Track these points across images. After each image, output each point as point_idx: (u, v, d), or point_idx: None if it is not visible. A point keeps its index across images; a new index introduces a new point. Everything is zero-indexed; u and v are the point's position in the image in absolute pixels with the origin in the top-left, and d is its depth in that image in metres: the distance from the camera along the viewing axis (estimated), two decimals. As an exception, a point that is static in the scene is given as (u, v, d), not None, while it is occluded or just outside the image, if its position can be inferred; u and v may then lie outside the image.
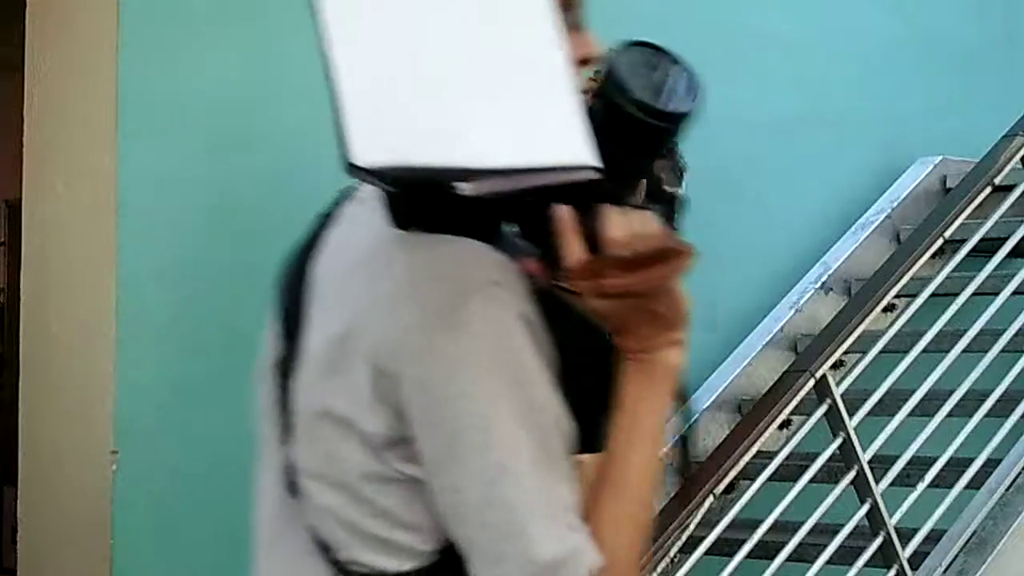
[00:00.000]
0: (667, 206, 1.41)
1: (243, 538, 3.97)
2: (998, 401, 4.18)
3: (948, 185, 5.11)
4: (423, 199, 1.21)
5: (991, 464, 4.15)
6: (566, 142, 1.09)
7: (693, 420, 4.85)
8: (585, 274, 1.23)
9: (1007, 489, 4.13)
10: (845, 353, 4.20)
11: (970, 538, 4.05)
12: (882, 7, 5.52)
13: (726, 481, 3.89)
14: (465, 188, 1.10)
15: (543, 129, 1.08)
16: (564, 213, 1.22)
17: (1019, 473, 4.16)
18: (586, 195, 1.19)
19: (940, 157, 5.26)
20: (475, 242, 1.25)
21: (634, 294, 1.26)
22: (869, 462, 4.00)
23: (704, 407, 4.86)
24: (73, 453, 3.88)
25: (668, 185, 1.45)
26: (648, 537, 1.31)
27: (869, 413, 4.09)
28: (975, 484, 4.12)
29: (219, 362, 4.00)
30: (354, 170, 1.11)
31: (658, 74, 1.24)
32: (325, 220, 1.43)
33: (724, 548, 3.87)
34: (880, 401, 4.10)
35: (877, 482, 3.99)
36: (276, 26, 4.14)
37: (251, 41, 4.09)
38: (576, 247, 1.22)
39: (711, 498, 3.83)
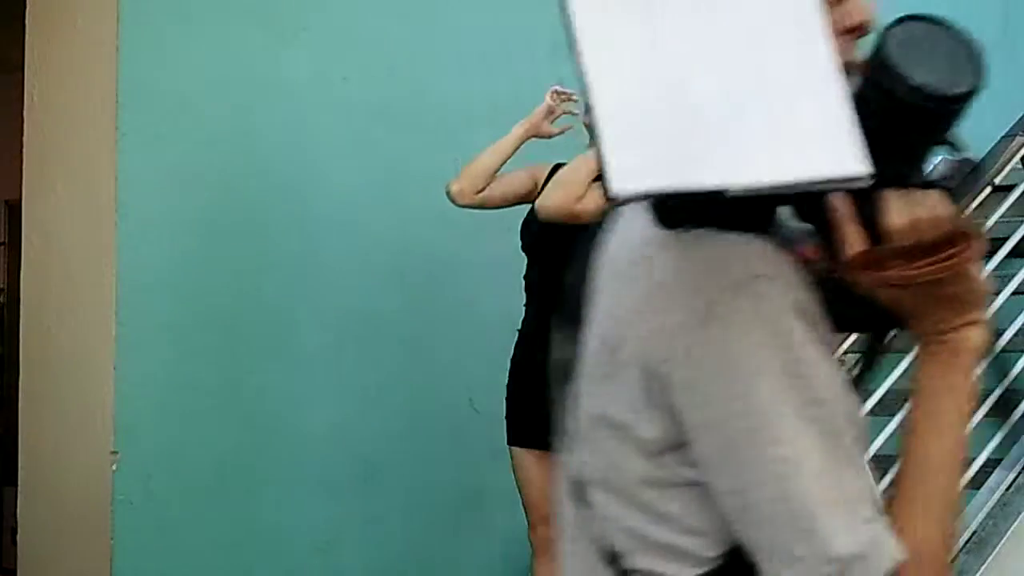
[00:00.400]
0: (951, 182, 1.25)
1: (243, 538, 3.94)
2: (998, 401, 4.18)
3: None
4: (690, 197, 1.12)
5: (991, 464, 4.15)
6: (835, 152, 1.02)
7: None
8: (866, 266, 1.17)
9: (1007, 489, 4.13)
10: (845, 353, 4.20)
11: (970, 538, 4.05)
12: (882, 7, 5.52)
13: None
14: (733, 190, 1.05)
15: (809, 139, 1.03)
16: (840, 202, 1.17)
17: (1019, 473, 4.15)
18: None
19: (940, 157, 5.26)
20: (740, 236, 1.19)
21: (923, 282, 1.18)
22: (869, 462, 3.99)
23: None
24: (73, 453, 3.88)
25: (955, 155, 1.27)
26: (955, 527, 1.24)
27: (869, 413, 4.09)
28: (975, 484, 4.12)
29: (219, 362, 4.00)
30: (616, 200, 1.04)
31: (935, 53, 1.13)
32: (606, 220, 1.38)
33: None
34: (880, 401, 4.10)
35: (877, 482, 3.99)
36: (276, 26, 4.15)
37: (251, 41, 4.09)
38: (855, 237, 1.17)
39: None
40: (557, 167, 3.96)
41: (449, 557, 4.43)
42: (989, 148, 4.58)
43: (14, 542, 4.06)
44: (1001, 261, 4.37)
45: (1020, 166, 4.52)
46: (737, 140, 1.02)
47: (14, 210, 6.01)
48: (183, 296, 3.94)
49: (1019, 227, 4.43)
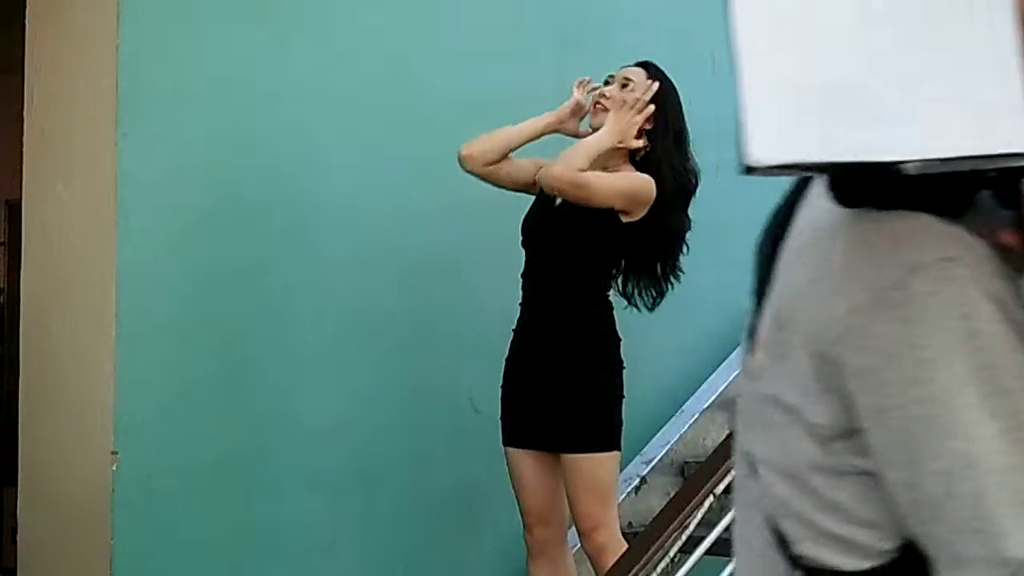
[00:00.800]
0: None
1: (243, 538, 3.95)
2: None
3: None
4: (868, 175, 1.09)
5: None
6: (1015, 125, 0.96)
7: (693, 420, 4.86)
8: None
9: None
10: None
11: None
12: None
13: (726, 481, 3.89)
14: (910, 168, 0.99)
15: (987, 112, 0.97)
16: None
17: (1019, 473, 4.16)
18: None
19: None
20: (928, 217, 1.13)
21: None
22: None
23: (704, 407, 4.87)
24: (73, 453, 3.88)
25: None
26: None
27: None
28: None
29: (219, 362, 4.00)
30: (751, 171, 1.01)
31: None
32: (798, 192, 1.31)
33: (724, 548, 3.87)
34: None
35: None
36: (276, 26, 4.15)
37: (251, 41, 4.09)
38: None
39: (711, 498, 3.82)
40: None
41: (449, 557, 4.43)
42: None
43: (14, 542, 4.06)
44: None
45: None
46: (902, 111, 0.98)
47: (14, 210, 6.01)
48: (183, 296, 3.94)
49: (1019, 227, 4.43)
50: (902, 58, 0.99)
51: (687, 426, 4.83)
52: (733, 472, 1.39)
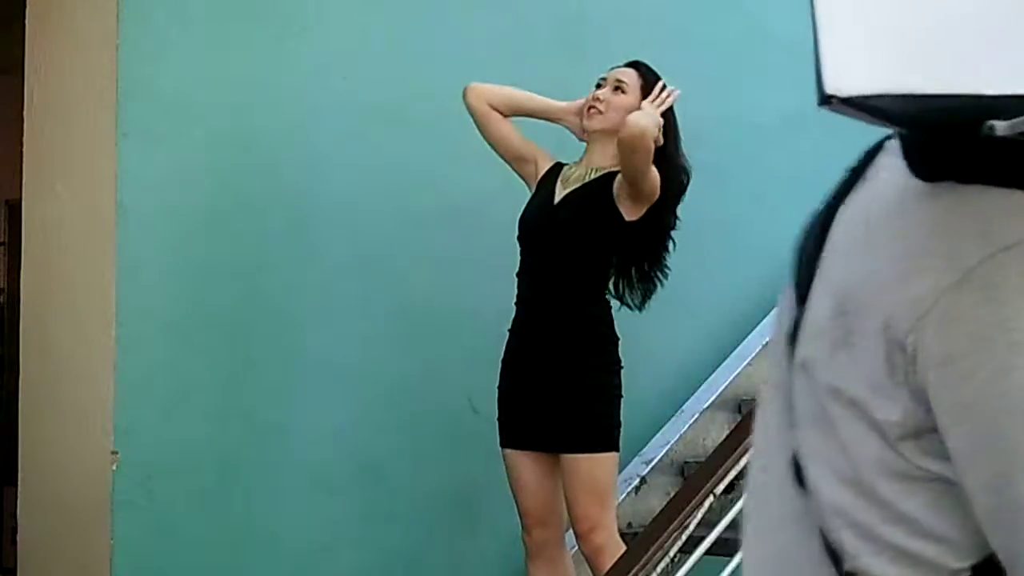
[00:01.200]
0: None
1: (242, 538, 3.96)
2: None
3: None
4: (953, 142, 0.98)
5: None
6: None
7: (693, 420, 4.85)
8: None
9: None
10: None
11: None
12: None
13: (726, 481, 3.89)
14: (1000, 127, 0.87)
15: None
16: None
17: (1019, 473, 4.16)
18: None
19: None
20: (1018, 192, 1.02)
21: None
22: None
23: (704, 407, 4.86)
24: (73, 453, 3.88)
25: None
26: None
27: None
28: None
29: (219, 362, 4.00)
30: (831, 102, 0.88)
31: None
32: (854, 174, 1.19)
33: (724, 548, 3.87)
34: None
35: None
36: (276, 26, 4.15)
37: (251, 41, 4.09)
38: None
39: (711, 498, 3.82)
40: (559, 165, 3.95)
41: (448, 557, 4.43)
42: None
43: (14, 542, 4.06)
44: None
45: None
46: (996, 41, 0.85)
47: (14, 210, 6.01)
48: (183, 296, 3.94)
49: (1019, 227, 4.43)
50: None
51: (687, 426, 4.83)
52: (754, 478, 1.26)
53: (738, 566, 3.95)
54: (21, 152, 4.01)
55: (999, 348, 0.99)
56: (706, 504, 3.78)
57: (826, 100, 0.87)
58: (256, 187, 4.09)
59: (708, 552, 3.84)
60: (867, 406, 1.05)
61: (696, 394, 4.95)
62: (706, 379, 4.93)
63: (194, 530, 3.90)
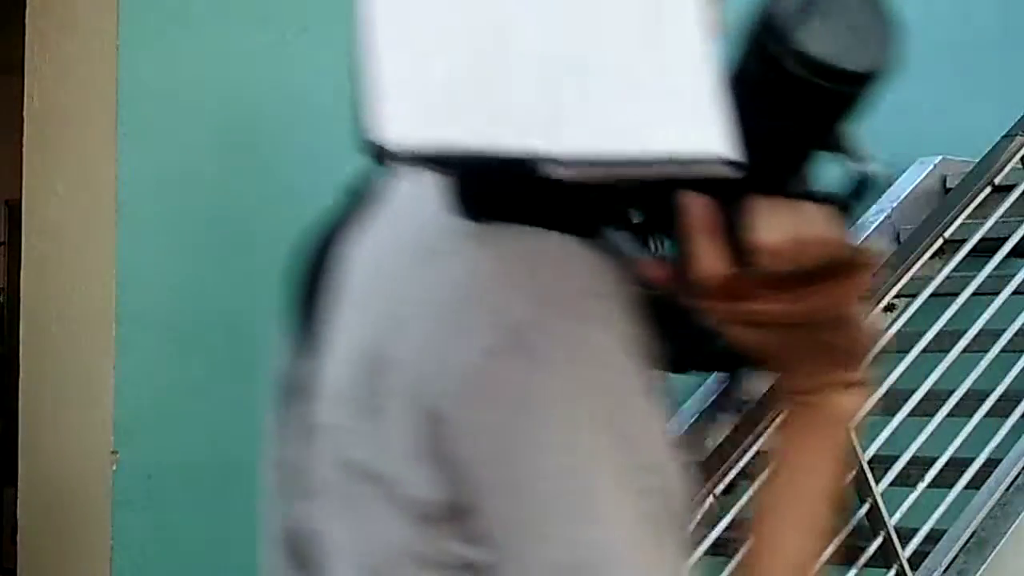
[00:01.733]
0: (843, 197, 0.95)
1: (242, 538, 3.99)
2: (998, 401, 4.18)
3: (948, 185, 5.10)
4: (506, 183, 0.88)
5: (991, 464, 4.15)
6: (692, 126, 0.78)
7: (693, 420, 4.86)
8: (725, 294, 0.88)
9: (1007, 489, 4.13)
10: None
11: (970, 538, 4.05)
12: None
13: (726, 481, 3.89)
14: (561, 171, 0.80)
15: (661, 108, 0.79)
16: (696, 206, 0.87)
17: (1019, 473, 4.15)
18: (729, 182, 0.81)
19: (940, 157, 5.25)
20: (569, 239, 0.90)
21: (794, 323, 0.91)
22: (869, 462, 4.00)
23: (704, 407, 4.86)
24: (73, 453, 3.88)
25: (853, 163, 0.96)
26: None
27: (868, 412, 4.08)
28: (975, 484, 4.12)
29: (219, 362, 4.00)
30: (382, 155, 0.76)
31: (837, 20, 0.88)
32: (360, 197, 1.05)
33: (724, 548, 3.87)
34: (880, 400, 4.10)
35: (877, 482, 3.99)
36: (276, 26, 4.15)
37: (251, 41, 4.09)
38: (712, 256, 0.87)
39: (711, 498, 3.82)
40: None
41: (449, 557, 4.43)
42: (989, 148, 4.59)
43: (14, 542, 4.06)
44: (1001, 261, 4.37)
45: (1020, 166, 4.52)
46: (566, 102, 0.77)
47: (14, 210, 6.01)
48: (183, 296, 3.94)
49: (1019, 227, 4.43)
50: (571, 34, 0.79)
51: (687, 426, 4.83)
52: (272, 566, 1.07)
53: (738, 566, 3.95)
54: (21, 152, 4.01)
55: (540, 424, 0.86)
56: (706, 504, 3.79)
57: (378, 153, 0.75)
58: (256, 187, 4.09)
59: (708, 552, 3.85)
60: (395, 482, 0.90)
61: (696, 394, 4.94)
62: (706, 379, 4.93)
63: (194, 530, 3.90)
